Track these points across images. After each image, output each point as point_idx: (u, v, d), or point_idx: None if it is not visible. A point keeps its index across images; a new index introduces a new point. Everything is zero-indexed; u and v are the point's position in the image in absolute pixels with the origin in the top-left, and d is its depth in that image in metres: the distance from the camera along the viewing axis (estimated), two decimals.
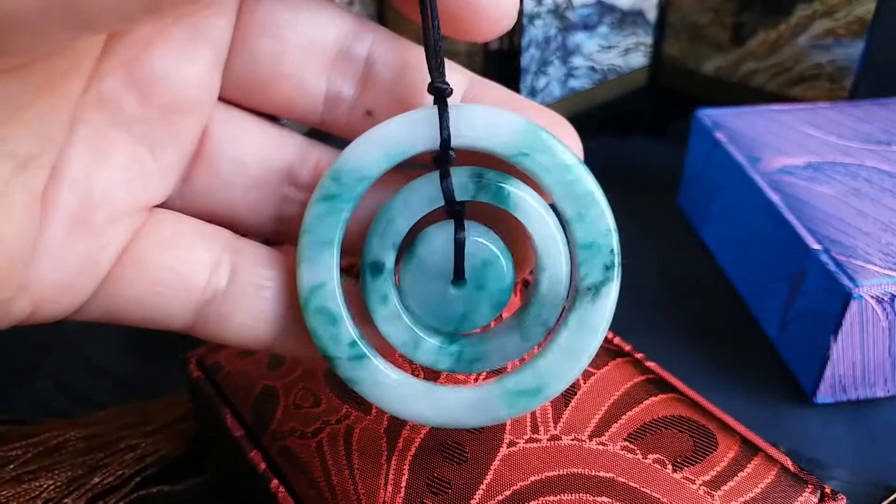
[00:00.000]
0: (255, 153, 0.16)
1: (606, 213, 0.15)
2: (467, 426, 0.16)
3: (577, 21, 0.39)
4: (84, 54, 0.13)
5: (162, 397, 0.28)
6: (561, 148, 0.15)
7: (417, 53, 0.16)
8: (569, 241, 0.15)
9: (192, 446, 0.27)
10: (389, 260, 0.15)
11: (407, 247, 0.16)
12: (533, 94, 0.40)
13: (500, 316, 0.20)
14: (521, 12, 0.36)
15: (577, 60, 0.41)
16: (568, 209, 0.15)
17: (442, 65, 0.15)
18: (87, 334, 0.33)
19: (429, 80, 0.15)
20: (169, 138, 0.15)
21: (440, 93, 0.15)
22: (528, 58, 0.37)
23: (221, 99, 0.16)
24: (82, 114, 0.14)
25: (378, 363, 0.16)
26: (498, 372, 0.21)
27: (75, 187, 0.14)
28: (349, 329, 0.15)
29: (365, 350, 0.16)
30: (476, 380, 0.20)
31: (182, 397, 0.27)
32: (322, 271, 0.15)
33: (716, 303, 0.35)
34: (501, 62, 0.38)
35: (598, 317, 0.15)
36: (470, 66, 0.28)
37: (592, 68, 0.42)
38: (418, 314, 0.16)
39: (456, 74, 0.16)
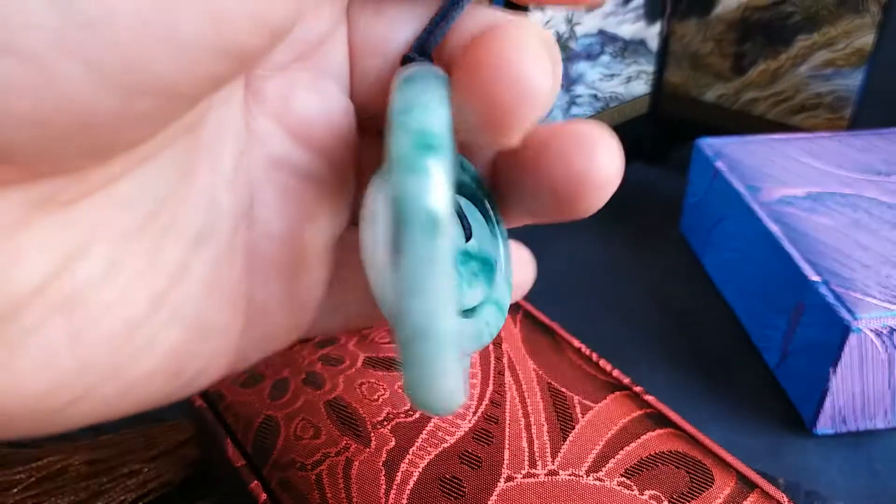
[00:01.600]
0: None
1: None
2: None
3: (580, 50, 0.40)
4: (228, 121, 0.14)
5: (165, 422, 0.28)
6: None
7: (492, 13, 0.15)
8: None
9: (194, 471, 0.27)
10: None
11: None
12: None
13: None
14: None
15: (579, 89, 0.41)
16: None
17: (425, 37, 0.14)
18: None
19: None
20: (334, 169, 0.16)
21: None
22: None
23: None
24: (260, 176, 0.15)
25: None
26: None
27: (284, 242, 0.15)
28: None
29: None
30: None
31: (185, 422, 0.28)
32: None
33: (717, 332, 0.35)
34: None
35: None
36: None
37: (595, 96, 0.42)
38: None
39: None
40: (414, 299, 0.11)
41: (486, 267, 0.16)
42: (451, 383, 0.12)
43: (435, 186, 0.11)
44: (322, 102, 0.15)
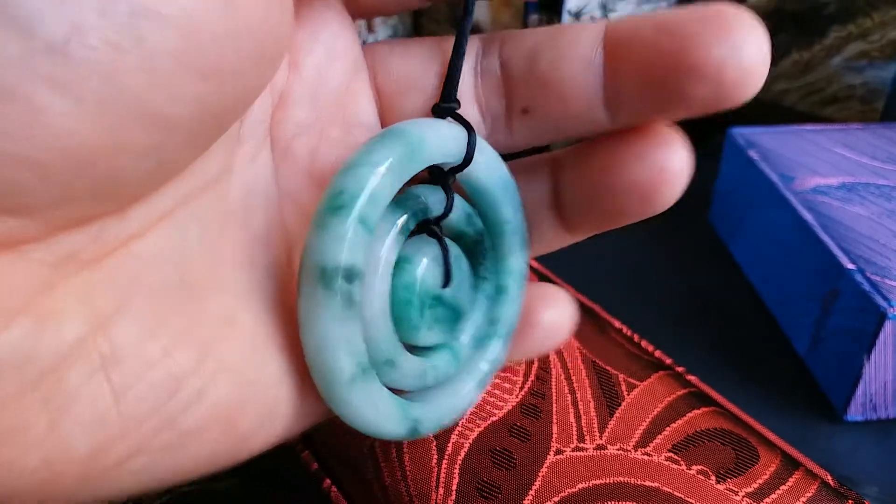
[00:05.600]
0: None
1: None
2: None
3: None
4: (257, 183, 0.15)
5: None
6: None
7: (542, 33, 0.16)
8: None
9: None
10: None
11: None
12: None
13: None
14: (563, 9, 0.37)
15: None
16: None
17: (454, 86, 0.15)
18: None
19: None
20: None
21: (447, 114, 0.15)
22: None
23: None
24: (296, 231, 0.15)
25: None
26: None
27: None
28: None
29: None
30: None
31: None
32: None
33: (746, 319, 0.35)
34: None
35: None
36: None
37: None
38: None
39: None
40: (305, 337, 0.13)
41: (453, 315, 0.16)
42: (352, 411, 0.14)
43: (331, 242, 0.13)
44: (350, 151, 0.15)
